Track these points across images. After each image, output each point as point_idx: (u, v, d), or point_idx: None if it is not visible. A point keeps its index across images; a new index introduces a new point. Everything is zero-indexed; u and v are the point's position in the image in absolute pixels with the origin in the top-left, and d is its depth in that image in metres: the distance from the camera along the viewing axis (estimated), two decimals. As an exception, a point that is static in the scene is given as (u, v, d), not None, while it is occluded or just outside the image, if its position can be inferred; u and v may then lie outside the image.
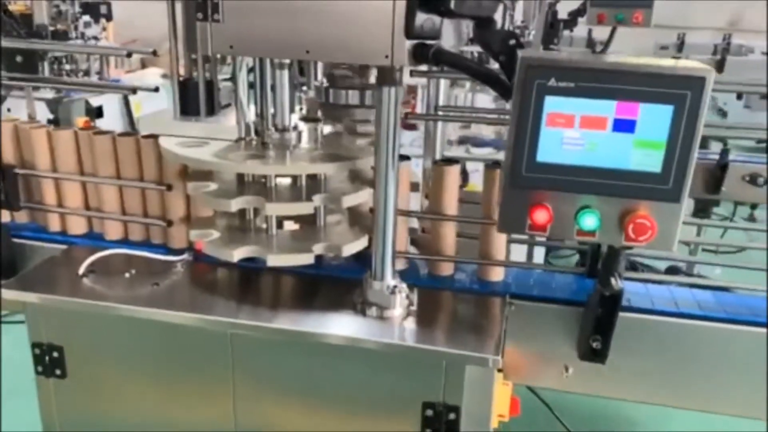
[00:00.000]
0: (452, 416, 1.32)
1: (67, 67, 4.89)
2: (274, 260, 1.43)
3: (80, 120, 4.70)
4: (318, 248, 1.45)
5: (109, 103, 4.99)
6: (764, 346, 1.39)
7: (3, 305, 1.77)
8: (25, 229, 1.71)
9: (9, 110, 4.84)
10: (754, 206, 4.97)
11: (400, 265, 1.52)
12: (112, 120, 5.00)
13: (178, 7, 1.35)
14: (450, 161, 1.51)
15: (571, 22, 3.44)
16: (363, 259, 1.49)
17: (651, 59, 1.06)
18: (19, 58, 1.67)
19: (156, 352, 1.46)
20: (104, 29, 5.45)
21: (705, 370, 1.43)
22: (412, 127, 2.93)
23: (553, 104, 1.07)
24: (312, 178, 1.51)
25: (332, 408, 1.39)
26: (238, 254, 1.44)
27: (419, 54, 1.19)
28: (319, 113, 1.70)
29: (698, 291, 1.54)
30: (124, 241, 1.66)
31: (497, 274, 1.53)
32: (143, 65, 6.90)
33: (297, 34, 1.19)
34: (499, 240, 1.51)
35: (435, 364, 1.30)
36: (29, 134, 1.57)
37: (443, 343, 1.31)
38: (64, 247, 1.66)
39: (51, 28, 4.60)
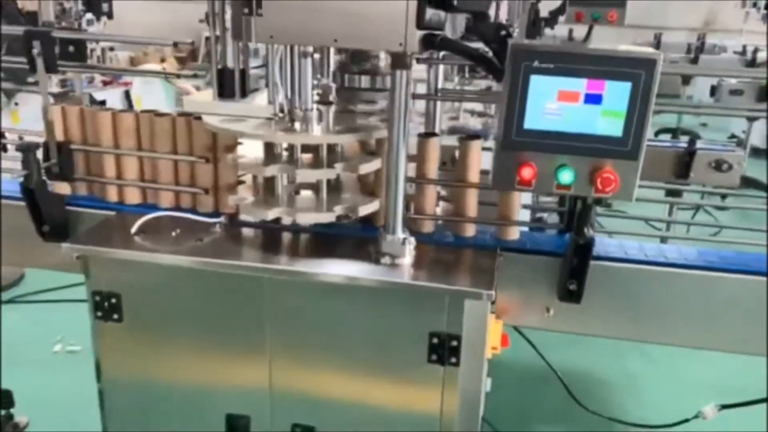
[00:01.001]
0: (454, 343, 1.58)
1: (71, 62, 5.09)
2: (302, 218, 1.69)
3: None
4: (338, 209, 1.71)
5: (112, 98, 5.21)
6: (713, 288, 1.67)
7: (56, 265, 2.04)
8: (81, 199, 1.96)
9: (17, 104, 5.06)
10: (724, 196, 5.30)
11: (430, 227, 1.79)
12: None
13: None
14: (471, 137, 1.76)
15: (552, 20, 3.73)
16: (369, 222, 1.77)
17: (614, 46, 1.34)
18: (71, 48, 1.92)
19: (200, 297, 1.72)
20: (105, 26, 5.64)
21: (666, 309, 1.71)
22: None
23: (536, 81, 1.35)
24: (330, 150, 1.77)
25: (353, 340, 1.65)
26: (272, 214, 1.70)
27: (427, 42, 1.45)
28: (331, 97, 1.95)
29: (665, 246, 1.82)
30: (156, 208, 1.91)
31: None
32: (132, 63, 7.10)
33: (326, 26, 1.45)
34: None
35: (439, 299, 1.57)
36: (95, 115, 1.81)
37: (446, 282, 1.58)
38: (111, 213, 1.91)
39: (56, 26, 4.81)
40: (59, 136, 1.86)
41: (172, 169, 1.86)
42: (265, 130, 1.69)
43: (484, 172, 1.72)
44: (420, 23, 1.41)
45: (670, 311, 1.69)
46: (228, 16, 1.66)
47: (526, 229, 1.85)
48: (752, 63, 7.26)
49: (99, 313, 1.75)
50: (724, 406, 2.18)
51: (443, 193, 1.95)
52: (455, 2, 1.39)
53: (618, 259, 1.70)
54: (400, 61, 1.50)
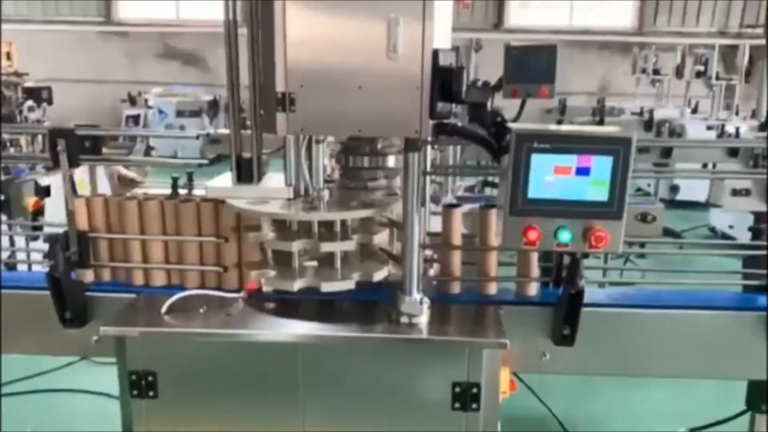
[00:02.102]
0: (474, 390, 1.78)
1: (12, 150, 5.08)
2: (327, 287, 1.87)
3: (31, 199, 4.89)
4: (356, 276, 1.91)
5: (56, 182, 5.17)
6: (678, 323, 1.96)
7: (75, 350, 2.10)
8: (100, 285, 2.05)
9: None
10: (642, 245, 5.83)
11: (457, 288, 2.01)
12: (59, 199, 5.17)
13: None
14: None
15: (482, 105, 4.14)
16: (373, 285, 1.95)
17: (593, 128, 1.64)
18: (87, 143, 2.05)
19: (233, 368, 1.84)
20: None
21: (646, 345, 1.98)
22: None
23: (536, 159, 1.62)
24: (342, 223, 1.97)
25: (381, 394, 1.81)
26: (297, 285, 1.87)
27: (438, 129, 1.71)
28: (336, 174, 2.16)
29: (632, 290, 2.12)
30: (181, 288, 2.03)
31: (492, 288, 2.03)
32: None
33: (352, 118, 1.69)
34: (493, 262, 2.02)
35: (460, 351, 1.77)
36: (121, 204, 1.94)
37: (465, 335, 1.79)
38: (130, 296, 2.02)
39: (-4, 114, 4.82)
40: (83, 225, 1.97)
41: (195, 251, 2.00)
42: (288, 209, 1.88)
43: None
44: (432, 114, 1.67)
45: (651, 346, 1.96)
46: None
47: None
48: (650, 122, 8.06)
49: (135, 392, 1.83)
50: (694, 429, 2.47)
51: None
52: (462, 97, 1.66)
53: (604, 304, 1.97)
54: (412, 145, 1.75)
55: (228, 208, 1.93)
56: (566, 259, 1.90)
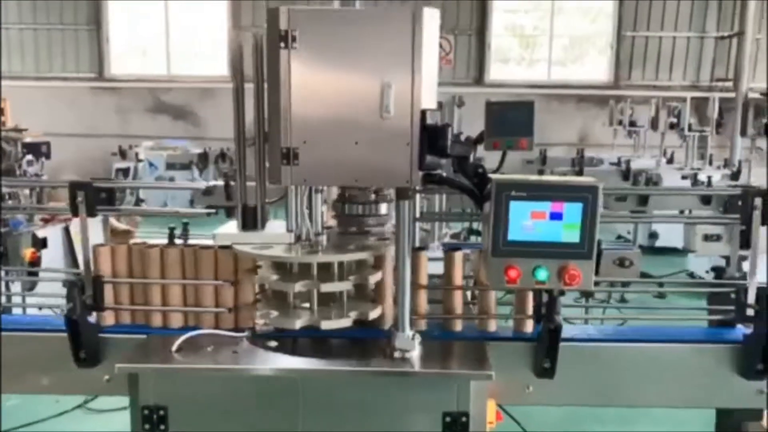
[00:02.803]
0: (464, 419, 1.93)
1: (10, 202, 5.22)
2: (326, 324, 2.02)
3: (28, 251, 5.01)
4: (353, 315, 2.07)
5: (52, 235, 5.31)
6: (650, 356, 2.13)
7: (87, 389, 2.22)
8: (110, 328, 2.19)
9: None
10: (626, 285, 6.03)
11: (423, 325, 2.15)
12: (54, 250, 5.32)
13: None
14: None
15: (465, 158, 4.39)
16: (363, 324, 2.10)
17: (566, 178, 1.84)
18: (103, 195, 2.22)
19: (239, 401, 1.97)
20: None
21: (622, 376, 2.13)
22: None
23: (514, 206, 1.81)
24: (339, 265, 2.13)
25: (375, 425, 1.95)
26: (298, 323, 2.02)
27: (427, 179, 1.90)
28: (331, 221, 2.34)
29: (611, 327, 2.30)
30: (183, 329, 2.17)
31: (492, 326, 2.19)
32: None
33: (349, 171, 1.88)
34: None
35: (449, 383, 1.93)
36: (145, 252, 2.11)
37: (454, 368, 1.94)
38: (131, 336, 2.15)
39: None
40: (108, 271, 2.12)
41: (204, 294, 2.16)
42: (290, 253, 2.05)
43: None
44: (421, 166, 1.87)
45: (626, 378, 2.12)
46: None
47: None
48: (627, 172, 8.37)
49: (147, 426, 1.95)
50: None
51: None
52: (448, 151, 1.87)
53: (582, 339, 2.14)
54: (403, 193, 1.94)
55: (231, 253, 2.10)
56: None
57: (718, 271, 2.29)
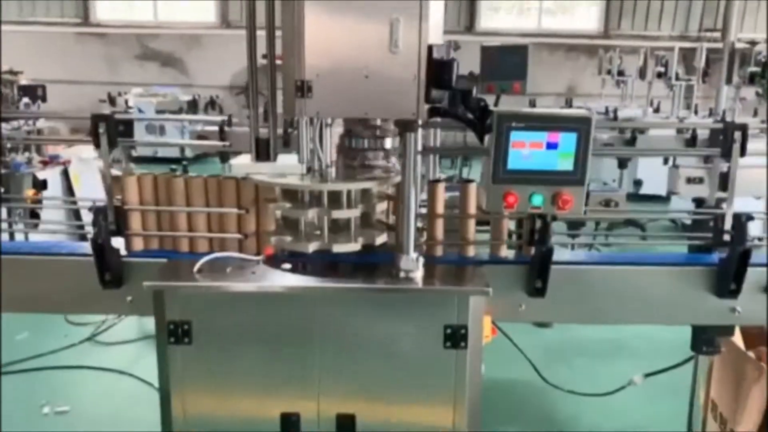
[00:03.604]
0: (463, 332, 2.11)
1: (9, 145, 5.29)
2: (337, 248, 2.18)
3: (29, 192, 5.11)
4: (361, 239, 2.22)
5: (52, 177, 5.41)
6: (634, 278, 2.32)
7: (111, 309, 2.38)
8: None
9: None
10: (610, 227, 6.25)
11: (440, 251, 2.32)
12: (54, 192, 5.42)
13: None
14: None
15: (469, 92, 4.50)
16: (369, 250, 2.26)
17: (562, 110, 1.98)
18: (121, 128, 2.33)
19: (258, 317, 2.13)
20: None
21: (606, 296, 2.32)
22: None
23: (514, 135, 1.96)
24: (347, 194, 2.27)
25: (383, 339, 2.13)
26: (312, 247, 2.18)
27: (432, 112, 2.04)
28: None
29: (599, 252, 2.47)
30: (201, 254, 2.32)
31: (471, 251, 2.36)
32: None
33: (360, 103, 2.01)
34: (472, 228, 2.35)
35: (450, 299, 2.10)
36: (171, 181, 2.25)
37: (455, 285, 2.12)
38: (151, 260, 2.30)
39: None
40: (134, 199, 2.26)
41: (217, 221, 2.31)
42: (305, 182, 2.20)
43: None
44: (427, 99, 2.00)
45: (609, 297, 2.32)
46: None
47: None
48: (615, 120, 8.50)
49: (172, 339, 2.12)
50: (648, 374, 2.85)
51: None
52: (453, 84, 2.00)
53: (571, 262, 2.32)
54: (410, 126, 2.08)
55: (249, 183, 2.23)
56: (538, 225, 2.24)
57: (698, 202, 2.46)
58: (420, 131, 2.24)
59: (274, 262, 2.27)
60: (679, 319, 2.36)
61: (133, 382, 3.90)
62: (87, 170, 5.93)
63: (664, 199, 7.75)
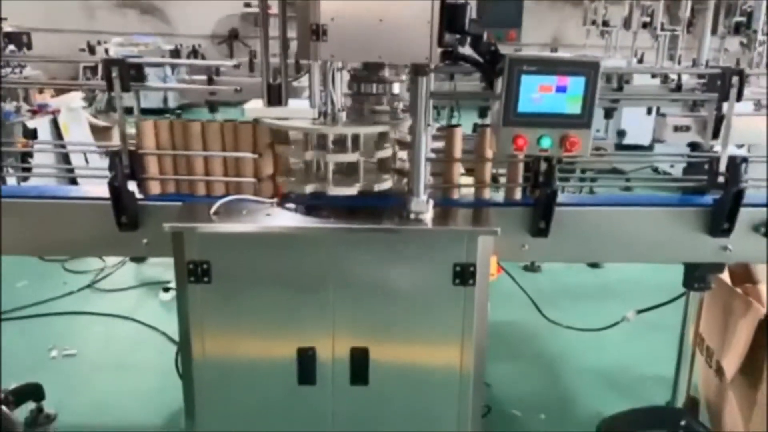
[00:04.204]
0: (471, 269, 2.21)
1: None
2: (349, 191, 2.25)
3: (20, 140, 5.07)
4: (371, 183, 2.29)
5: (41, 126, 5.36)
6: (631, 218, 2.42)
7: (128, 252, 2.43)
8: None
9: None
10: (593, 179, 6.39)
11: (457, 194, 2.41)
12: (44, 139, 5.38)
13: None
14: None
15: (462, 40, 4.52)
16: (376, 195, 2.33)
17: (571, 55, 2.04)
18: (133, 72, 2.34)
19: (274, 257, 2.21)
20: (23, 57, 5.76)
21: (606, 237, 2.43)
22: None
23: (525, 79, 2.02)
24: (354, 140, 2.33)
25: (395, 276, 2.23)
26: (324, 189, 2.25)
27: (445, 55, 2.09)
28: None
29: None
30: (217, 197, 2.37)
31: (485, 193, 2.44)
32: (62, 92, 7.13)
33: (373, 47, 2.04)
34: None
35: (460, 238, 2.19)
36: (188, 126, 2.30)
37: (464, 225, 2.21)
38: (166, 204, 2.35)
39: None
40: (151, 144, 2.29)
41: (233, 165, 2.36)
42: (316, 126, 2.25)
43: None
44: (441, 43, 2.05)
45: (608, 237, 2.42)
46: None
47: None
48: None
49: (192, 278, 2.20)
50: (640, 311, 3.01)
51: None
52: (466, 29, 2.04)
53: (573, 204, 2.42)
54: (421, 70, 2.12)
55: (263, 126, 2.28)
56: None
57: (693, 146, 2.56)
58: (432, 76, 2.29)
59: (287, 204, 2.33)
60: (675, 257, 2.48)
61: (135, 326, 3.99)
62: (75, 119, 5.89)
63: (647, 149, 7.88)
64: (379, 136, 2.42)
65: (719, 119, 2.46)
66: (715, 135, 2.50)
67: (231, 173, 2.36)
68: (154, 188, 2.37)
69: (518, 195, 2.45)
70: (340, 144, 2.33)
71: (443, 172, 2.42)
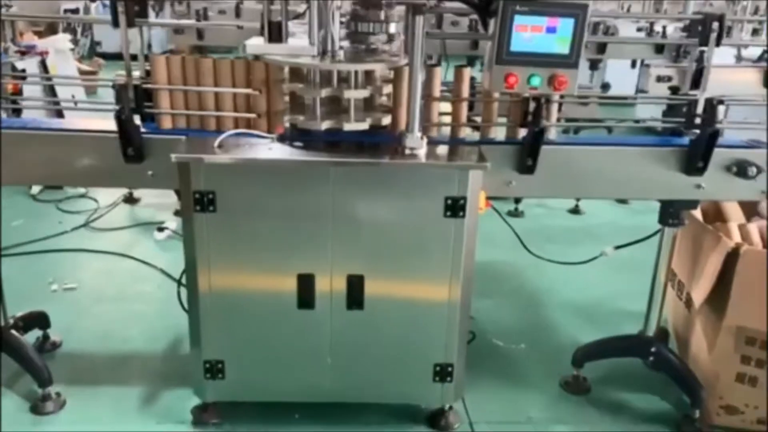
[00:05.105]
0: (462, 202, 2.35)
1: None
2: (348, 126, 2.36)
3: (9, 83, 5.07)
4: (369, 120, 2.40)
5: (30, 67, 5.34)
6: (613, 157, 2.56)
7: (132, 183, 2.53)
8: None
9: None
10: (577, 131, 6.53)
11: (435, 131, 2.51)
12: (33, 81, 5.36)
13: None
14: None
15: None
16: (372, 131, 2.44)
17: (561, -2, 2.14)
18: (137, 8, 2.41)
19: (277, 188, 2.32)
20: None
21: (588, 174, 2.57)
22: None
23: (518, 19, 2.13)
24: (355, 74, 2.42)
25: (391, 208, 2.36)
26: (324, 125, 2.36)
27: (440, -5, 2.19)
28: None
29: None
30: (219, 132, 2.47)
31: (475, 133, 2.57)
32: (53, 31, 7.05)
33: (374, -14, 2.13)
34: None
35: (451, 173, 2.33)
36: (200, 62, 2.39)
37: (456, 160, 2.35)
38: (168, 137, 2.44)
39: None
40: (163, 79, 2.38)
41: (231, 101, 2.45)
42: (317, 62, 2.34)
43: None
44: (436, -17, 2.14)
45: (590, 175, 2.56)
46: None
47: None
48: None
49: (198, 207, 2.31)
50: (618, 247, 3.20)
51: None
52: (461, -29, 2.14)
53: (558, 143, 2.55)
54: (418, 9, 2.22)
55: (260, 63, 2.37)
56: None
57: (674, 90, 2.69)
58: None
59: (287, 140, 2.44)
60: (652, 194, 2.64)
61: (133, 263, 4.10)
62: (64, 61, 5.87)
63: (630, 102, 8.00)
64: (374, 74, 2.52)
65: (699, 70, 2.57)
66: (695, 85, 2.61)
67: (241, 110, 2.45)
68: (167, 122, 2.46)
69: (503, 135, 2.58)
70: (342, 80, 2.42)
71: (452, 112, 2.53)
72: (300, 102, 2.54)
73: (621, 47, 6.83)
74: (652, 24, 7.98)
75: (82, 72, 6.66)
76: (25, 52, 5.40)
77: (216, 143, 2.33)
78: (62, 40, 5.97)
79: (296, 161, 2.30)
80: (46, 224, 4.59)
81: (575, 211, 4.93)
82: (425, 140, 2.37)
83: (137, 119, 2.46)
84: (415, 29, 2.23)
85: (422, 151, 2.36)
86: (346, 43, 2.52)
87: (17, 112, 4.00)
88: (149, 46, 10.87)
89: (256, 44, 2.41)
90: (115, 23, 2.34)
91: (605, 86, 9.07)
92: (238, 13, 5.81)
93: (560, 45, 2.17)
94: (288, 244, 2.40)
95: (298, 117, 2.42)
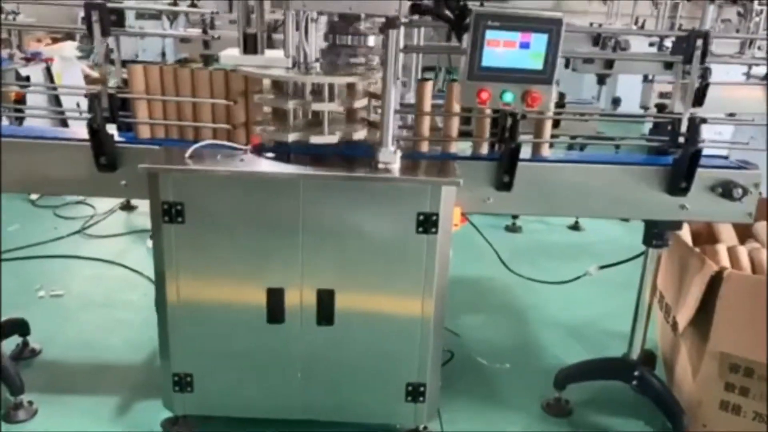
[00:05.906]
0: (434, 218, 2.31)
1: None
2: (316, 139, 2.33)
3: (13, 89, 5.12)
4: (339, 133, 2.37)
5: (34, 73, 5.40)
6: (594, 175, 2.50)
7: (106, 192, 2.53)
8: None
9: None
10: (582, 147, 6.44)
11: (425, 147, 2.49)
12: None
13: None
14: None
15: None
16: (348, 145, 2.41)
17: (534, 11, 2.10)
18: (113, 17, 2.40)
19: (246, 201, 2.29)
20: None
21: (569, 192, 2.51)
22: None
23: (489, 34, 2.08)
24: (330, 88, 2.40)
25: (363, 223, 2.32)
26: (291, 137, 2.33)
27: (414, 8, 2.15)
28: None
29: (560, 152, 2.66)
30: (192, 141, 2.45)
31: (452, 147, 2.52)
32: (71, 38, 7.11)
33: (344, -2, 2.11)
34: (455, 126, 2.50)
35: (424, 188, 2.28)
36: (178, 71, 2.38)
37: (429, 176, 2.30)
38: (142, 147, 2.43)
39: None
40: (140, 88, 2.37)
41: (209, 111, 2.43)
42: (292, 74, 2.32)
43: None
44: (409, -4, 2.11)
45: (571, 193, 2.50)
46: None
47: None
48: (597, 37, 8.54)
49: (166, 218, 2.29)
50: (602, 266, 3.12)
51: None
52: (434, -17, 2.10)
53: (536, 159, 2.50)
54: (392, 23, 2.19)
55: (238, 74, 2.35)
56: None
57: (660, 108, 2.62)
58: (402, 29, 2.34)
59: (260, 151, 2.42)
60: (634, 213, 2.58)
61: (122, 271, 4.10)
62: (69, 68, 5.92)
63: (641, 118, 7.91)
64: (351, 88, 2.49)
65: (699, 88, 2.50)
66: (698, 103, 2.53)
67: (220, 120, 2.43)
68: (144, 132, 2.46)
69: (485, 150, 2.53)
70: (313, 94, 2.41)
71: (414, 126, 2.50)
72: (281, 114, 2.51)
73: (631, 62, 6.76)
74: (662, 39, 7.91)
75: (89, 77, 6.69)
76: (30, 59, 5.45)
77: (187, 154, 2.31)
78: (68, 47, 6.03)
79: (264, 173, 2.27)
80: (41, 229, 4.61)
81: (575, 227, 4.85)
82: (399, 154, 2.33)
83: (113, 128, 2.45)
84: (389, 43, 2.20)
85: (395, 166, 2.32)
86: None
87: (20, 120, 4.05)
88: (163, 54, 11.03)
89: (231, 55, 2.39)
90: (90, 32, 2.34)
91: (616, 101, 8.99)
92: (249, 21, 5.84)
93: (534, 61, 2.12)
94: (258, 258, 2.37)
95: (269, 128, 2.39)
